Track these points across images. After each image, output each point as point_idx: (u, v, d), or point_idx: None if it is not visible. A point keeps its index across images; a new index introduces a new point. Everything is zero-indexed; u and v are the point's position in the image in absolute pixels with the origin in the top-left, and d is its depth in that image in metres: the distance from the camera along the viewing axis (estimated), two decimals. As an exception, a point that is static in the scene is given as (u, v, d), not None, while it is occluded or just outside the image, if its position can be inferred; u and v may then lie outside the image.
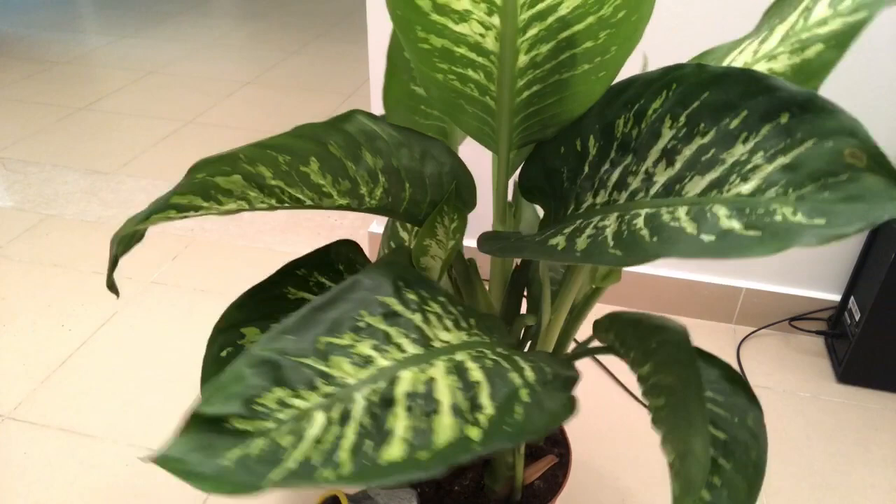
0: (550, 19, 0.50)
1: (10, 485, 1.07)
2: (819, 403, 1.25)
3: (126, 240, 0.47)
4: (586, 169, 0.57)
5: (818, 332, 1.40)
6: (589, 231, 0.50)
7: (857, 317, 1.26)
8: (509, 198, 0.82)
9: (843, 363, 1.28)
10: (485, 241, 0.59)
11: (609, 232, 0.48)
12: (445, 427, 0.42)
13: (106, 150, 2.09)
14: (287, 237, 1.68)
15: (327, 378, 0.43)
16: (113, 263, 0.47)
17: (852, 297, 1.32)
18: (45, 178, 1.93)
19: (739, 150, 0.46)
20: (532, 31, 0.51)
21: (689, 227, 0.44)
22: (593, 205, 0.55)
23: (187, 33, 3.15)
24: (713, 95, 0.49)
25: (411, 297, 0.52)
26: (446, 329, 0.52)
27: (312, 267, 0.63)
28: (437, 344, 0.49)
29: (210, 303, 1.47)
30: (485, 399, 0.45)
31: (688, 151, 0.49)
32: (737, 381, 0.67)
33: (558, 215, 0.60)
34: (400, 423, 0.42)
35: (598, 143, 0.57)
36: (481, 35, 0.50)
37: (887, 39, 1.15)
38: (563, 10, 0.50)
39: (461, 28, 0.50)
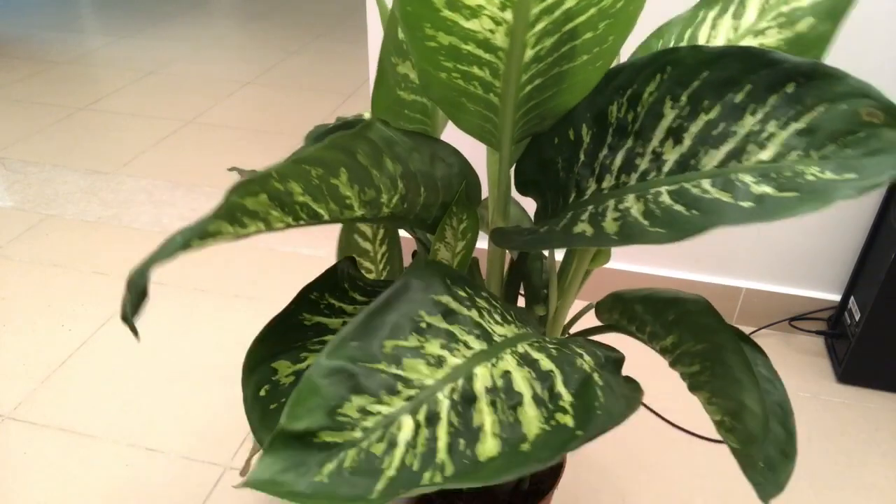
0: (557, 12, 0.50)
1: (10, 485, 1.07)
2: (819, 403, 1.25)
3: (141, 285, 0.44)
4: (582, 157, 0.58)
5: (818, 332, 1.40)
6: (612, 214, 0.50)
7: (857, 317, 1.26)
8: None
9: (843, 363, 1.28)
10: (501, 236, 0.59)
11: (636, 212, 0.48)
12: (532, 418, 0.43)
13: (106, 150, 2.09)
14: (288, 237, 1.68)
15: (405, 381, 0.43)
16: (133, 307, 0.44)
17: (852, 297, 1.32)
18: (45, 178, 1.93)
19: (750, 122, 0.47)
20: (540, 25, 0.51)
21: (725, 197, 0.45)
22: (599, 190, 0.55)
23: (187, 33, 3.15)
24: (713, 74, 0.50)
25: (462, 294, 0.51)
26: (498, 323, 0.52)
27: (323, 289, 0.62)
28: (497, 338, 0.49)
29: (210, 303, 1.47)
30: (561, 387, 0.45)
31: (695, 128, 0.50)
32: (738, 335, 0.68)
33: (556, 206, 0.60)
34: (487, 418, 0.42)
35: (591, 130, 0.58)
36: (491, 31, 0.50)
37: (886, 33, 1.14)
38: (569, 3, 0.50)
39: (471, 24, 0.50)
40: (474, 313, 0.50)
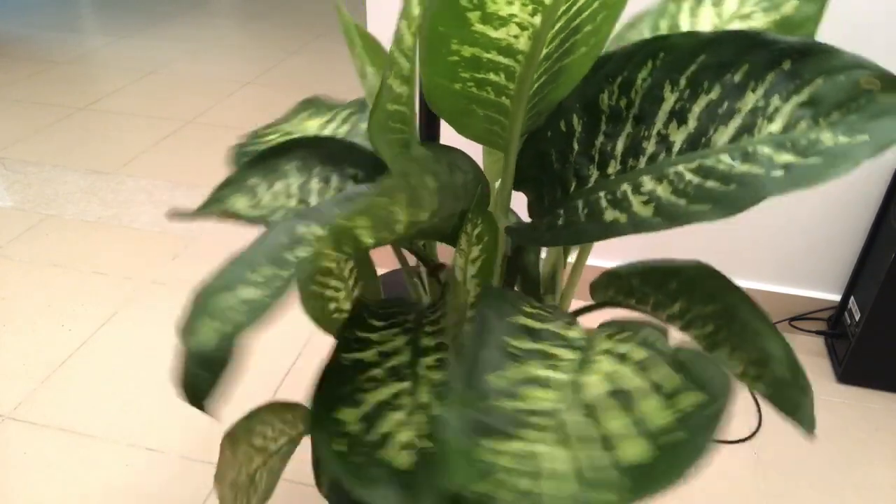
0: (573, 10, 0.50)
1: (10, 485, 1.07)
2: (819, 403, 1.25)
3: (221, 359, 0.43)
4: (576, 146, 0.58)
5: (818, 332, 1.40)
6: (637, 199, 0.51)
7: (857, 317, 1.26)
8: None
9: (843, 363, 1.28)
10: (522, 232, 0.59)
11: (664, 193, 0.49)
12: (655, 409, 0.42)
13: (106, 150, 2.09)
14: (287, 237, 1.68)
15: (535, 413, 0.42)
16: (208, 385, 0.42)
17: (852, 297, 1.32)
18: (45, 178, 1.93)
19: (752, 98, 0.49)
20: (559, 24, 0.51)
21: (755, 169, 0.46)
22: (604, 176, 0.56)
23: (187, 33, 3.15)
24: (710, 57, 0.51)
25: (530, 309, 0.51)
26: (565, 328, 0.51)
27: (352, 325, 0.61)
28: (578, 343, 0.48)
29: (210, 303, 1.47)
30: (665, 371, 0.45)
31: (697, 108, 0.52)
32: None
33: (553, 197, 0.61)
34: (618, 422, 0.41)
35: (581, 119, 0.59)
36: (515, 37, 0.50)
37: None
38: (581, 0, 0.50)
39: (497, 33, 0.49)
40: (549, 325, 0.49)
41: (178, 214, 0.57)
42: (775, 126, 0.48)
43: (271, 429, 0.78)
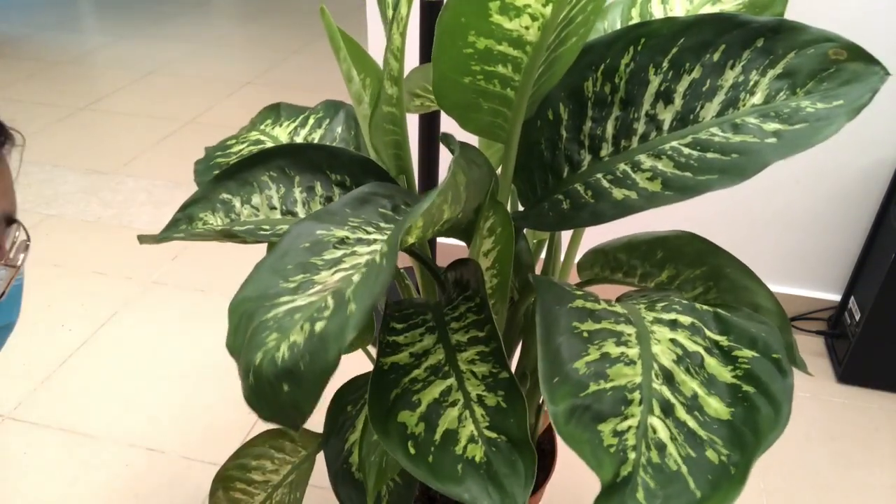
0: (573, 1, 0.51)
1: (10, 484, 1.07)
2: (819, 403, 1.25)
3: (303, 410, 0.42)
4: (564, 133, 0.60)
5: (818, 332, 1.40)
6: (641, 175, 0.54)
7: (857, 317, 1.26)
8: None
9: (843, 363, 1.28)
10: (531, 219, 0.60)
11: (666, 168, 0.53)
12: (718, 368, 0.45)
13: (106, 150, 2.09)
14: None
15: (624, 389, 0.45)
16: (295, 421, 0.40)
17: (852, 297, 1.31)
18: (45, 178, 1.93)
19: (732, 75, 0.53)
20: (562, 15, 0.51)
21: (749, 138, 0.50)
22: (598, 159, 0.58)
23: (187, 33, 3.15)
24: (689, 40, 0.55)
25: (579, 291, 0.53)
26: (612, 305, 0.53)
27: (383, 331, 0.61)
28: (631, 318, 0.51)
29: (210, 303, 1.47)
30: (715, 335, 0.48)
31: (681, 88, 0.55)
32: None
33: (545, 184, 0.62)
34: (691, 385, 0.45)
35: (567, 107, 0.61)
36: (526, 28, 0.50)
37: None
38: None
39: (511, 24, 0.50)
40: (603, 303, 0.52)
41: (147, 239, 0.57)
42: (757, 98, 0.52)
43: (270, 462, 0.78)
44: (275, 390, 0.39)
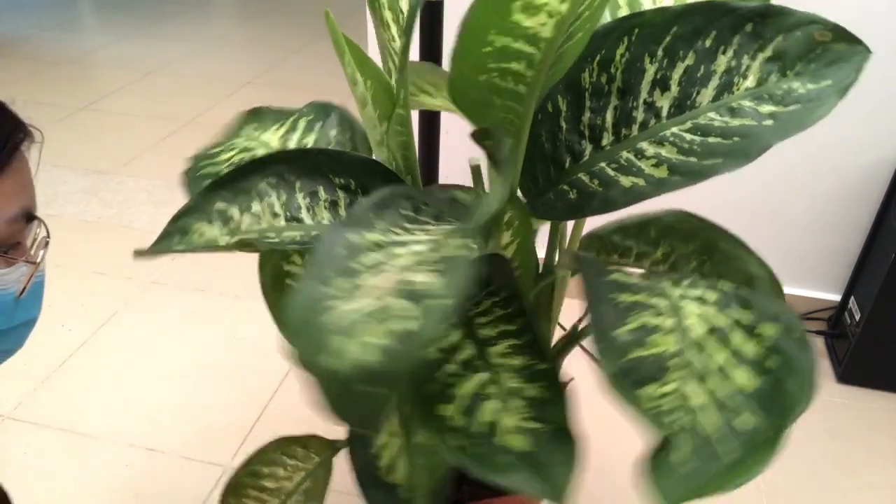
0: None
1: (10, 485, 1.07)
2: (819, 403, 1.25)
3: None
4: (563, 125, 0.62)
5: (818, 332, 1.40)
6: (647, 163, 0.56)
7: (857, 317, 1.26)
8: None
9: (843, 363, 1.28)
10: (540, 209, 0.61)
11: (670, 154, 0.55)
12: (744, 342, 0.48)
13: (106, 150, 2.09)
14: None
15: (665, 357, 0.47)
16: None
17: (852, 297, 1.31)
18: (45, 178, 1.93)
19: (724, 60, 0.55)
20: (575, 11, 0.52)
21: (747, 121, 0.52)
22: (599, 148, 0.60)
23: (187, 33, 3.15)
24: (681, 28, 0.57)
25: (615, 266, 0.55)
26: (641, 279, 0.56)
27: None
28: (663, 292, 0.53)
29: (210, 302, 1.47)
30: (738, 312, 0.51)
31: (676, 75, 0.57)
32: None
33: (547, 175, 0.63)
34: (722, 355, 0.47)
35: (566, 99, 0.62)
36: (542, 25, 0.51)
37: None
38: None
39: (529, 21, 0.50)
40: (637, 278, 0.54)
41: (142, 253, 0.57)
42: (750, 81, 0.54)
43: (283, 469, 0.77)
44: (363, 394, 0.39)
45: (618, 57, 0.59)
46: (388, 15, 0.66)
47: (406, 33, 0.62)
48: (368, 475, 0.67)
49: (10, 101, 0.58)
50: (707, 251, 0.64)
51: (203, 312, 1.44)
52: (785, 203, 1.31)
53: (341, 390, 0.40)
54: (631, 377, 0.46)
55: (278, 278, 0.79)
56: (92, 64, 2.77)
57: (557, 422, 0.52)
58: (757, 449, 0.43)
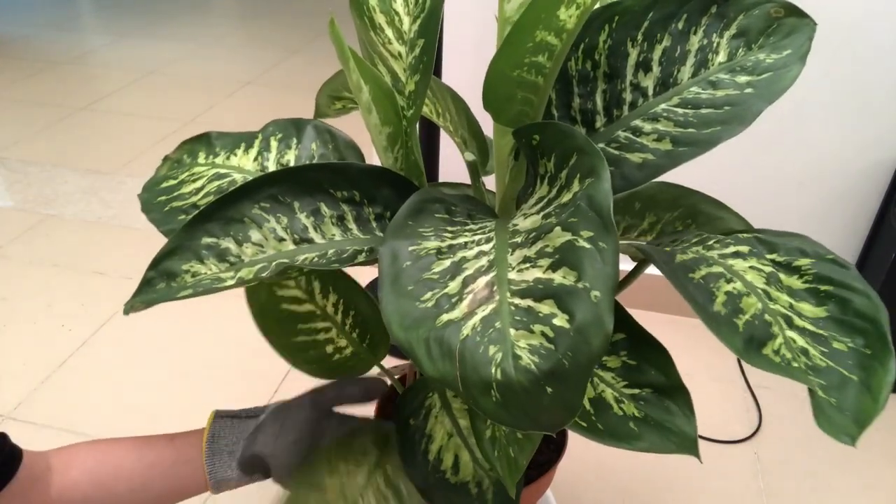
0: None
1: (10, 485, 1.07)
2: (819, 403, 1.25)
3: None
4: (555, 112, 0.63)
5: (818, 332, 1.40)
6: (646, 139, 0.59)
7: (857, 317, 1.26)
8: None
9: (844, 363, 1.28)
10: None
11: (669, 128, 0.58)
12: (792, 280, 0.53)
13: (106, 150, 2.09)
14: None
15: (761, 316, 0.51)
16: None
17: (852, 297, 1.31)
18: (45, 178, 1.93)
19: (696, 39, 0.61)
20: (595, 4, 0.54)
21: (732, 91, 0.58)
22: (594, 132, 0.63)
23: (187, 33, 3.15)
24: (657, 13, 0.62)
25: (669, 249, 0.60)
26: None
27: None
28: (714, 259, 0.57)
29: (210, 303, 1.47)
30: (769, 254, 0.56)
31: (656, 56, 0.62)
32: None
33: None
34: (786, 299, 0.53)
35: (555, 87, 0.63)
36: (569, 17, 0.51)
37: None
38: None
39: (563, 13, 0.50)
40: (689, 252, 0.58)
41: (134, 306, 0.54)
42: (721, 57, 0.61)
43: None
44: (534, 397, 0.38)
45: (601, 44, 0.62)
46: (380, 18, 0.66)
47: (424, 34, 0.63)
48: (435, 483, 0.63)
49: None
50: (691, 215, 0.70)
51: (203, 312, 1.44)
52: (785, 203, 1.31)
53: (516, 396, 0.38)
54: (754, 343, 0.49)
55: (272, 306, 0.78)
56: (92, 64, 2.77)
57: (656, 381, 0.58)
58: (870, 361, 0.48)
